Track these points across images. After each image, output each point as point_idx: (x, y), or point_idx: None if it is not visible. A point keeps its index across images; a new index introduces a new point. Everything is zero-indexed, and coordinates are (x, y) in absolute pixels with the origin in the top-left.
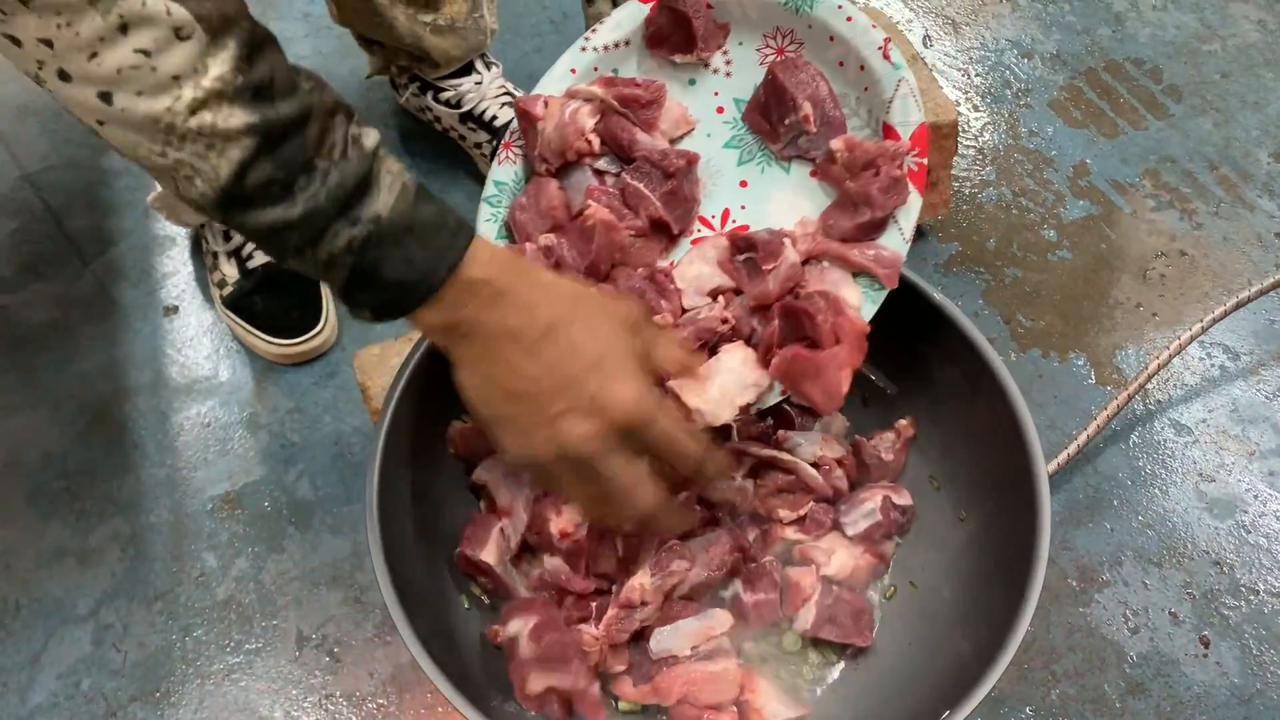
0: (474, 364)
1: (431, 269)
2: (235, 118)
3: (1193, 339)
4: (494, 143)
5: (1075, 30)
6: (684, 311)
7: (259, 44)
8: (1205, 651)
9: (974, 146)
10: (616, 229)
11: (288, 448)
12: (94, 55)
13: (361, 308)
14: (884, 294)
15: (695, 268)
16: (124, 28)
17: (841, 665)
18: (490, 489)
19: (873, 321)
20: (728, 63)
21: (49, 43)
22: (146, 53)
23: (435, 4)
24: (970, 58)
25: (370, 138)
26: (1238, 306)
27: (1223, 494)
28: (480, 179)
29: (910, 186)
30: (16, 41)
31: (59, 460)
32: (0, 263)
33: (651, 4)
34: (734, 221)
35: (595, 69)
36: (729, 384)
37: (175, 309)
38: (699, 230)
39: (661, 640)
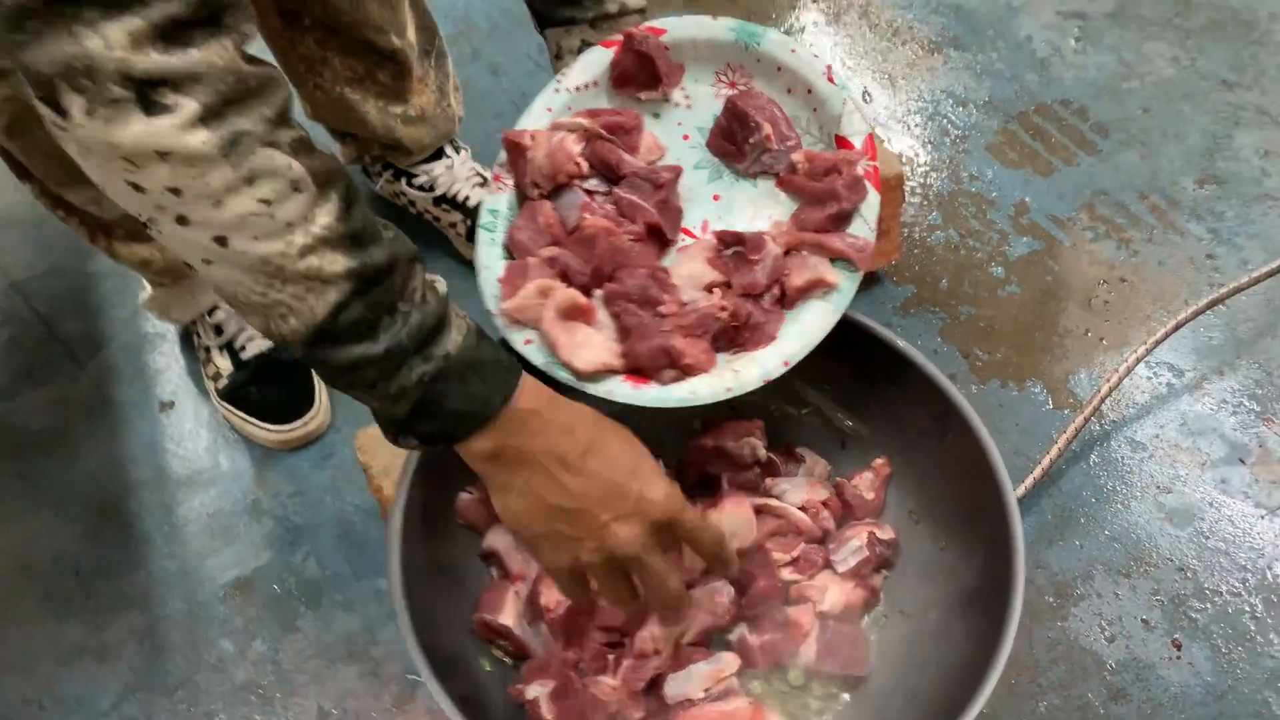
0: (517, 489)
1: (488, 401)
2: (338, 263)
3: (1139, 360)
4: (468, 222)
5: (1004, 77)
6: (684, 305)
7: (354, 197)
8: (1178, 654)
9: (920, 193)
10: (616, 233)
11: (292, 530)
12: (219, 203)
13: (414, 436)
14: (859, 276)
15: (688, 266)
16: (250, 179)
17: (845, 696)
18: (501, 556)
19: (844, 366)
20: (686, 98)
21: (176, 191)
22: (267, 202)
23: (404, 96)
24: (909, 109)
25: (441, 284)
26: (1178, 327)
27: (1180, 504)
28: (457, 257)
29: (868, 185)
30: (139, 189)
31: (69, 561)
32: None
33: (615, 48)
34: (712, 230)
35: (569, 108)
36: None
37: (171, 404)
38: (683, 240)
39: (676, 685)
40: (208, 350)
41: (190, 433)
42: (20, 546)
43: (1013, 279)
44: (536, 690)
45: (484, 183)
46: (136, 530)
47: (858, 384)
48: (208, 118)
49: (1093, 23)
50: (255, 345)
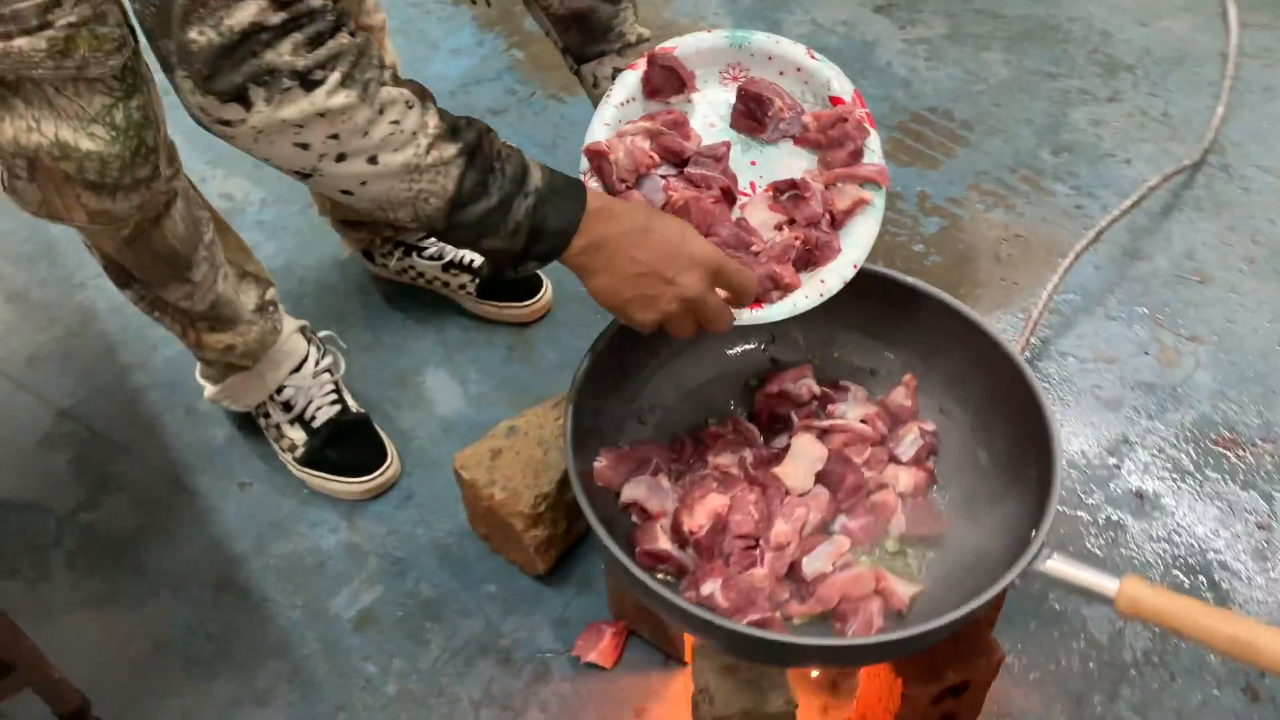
0: (604, 268)
1: (575, 212)
2: (450, 149)
3: (1055, 289)
4: (475, 281)
5: (878, 98)
6: (767, 242)
7: (436, 102)
8: (1141, 505)
9: None
10: (702, 199)
11: (397, 563)
12: (366, 133)
13: (532, 259)
14: (884, 191)
15: (758, 215)
16: (381, 110)
17: (930, 554)
18: (640, 502)
19: (863, 307)
20: (703, 96)
21: (335, 136)
22: (396, 122)
23: None
24: None
25: (510, 142)
26: (1073, 262)
27: (1111, 395)
28: (468, 315)
29: (867, 125)
30: (305, 146)
31: (200, 629)
32: (71, 491)
33: (642, 69)
34: (760, 188)
35: (620, 121)
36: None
37: (249, 483)
38: (741, 199)
39: (810, 564)
40: (278, 427)
41: (275, 503)
42: (150, 627)
43: (932, 251)
44: (710, 586)
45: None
46: (254, 591)
47: (876, 320)
48: (345, 81)
49: (935, 45)
50: (324, 413)
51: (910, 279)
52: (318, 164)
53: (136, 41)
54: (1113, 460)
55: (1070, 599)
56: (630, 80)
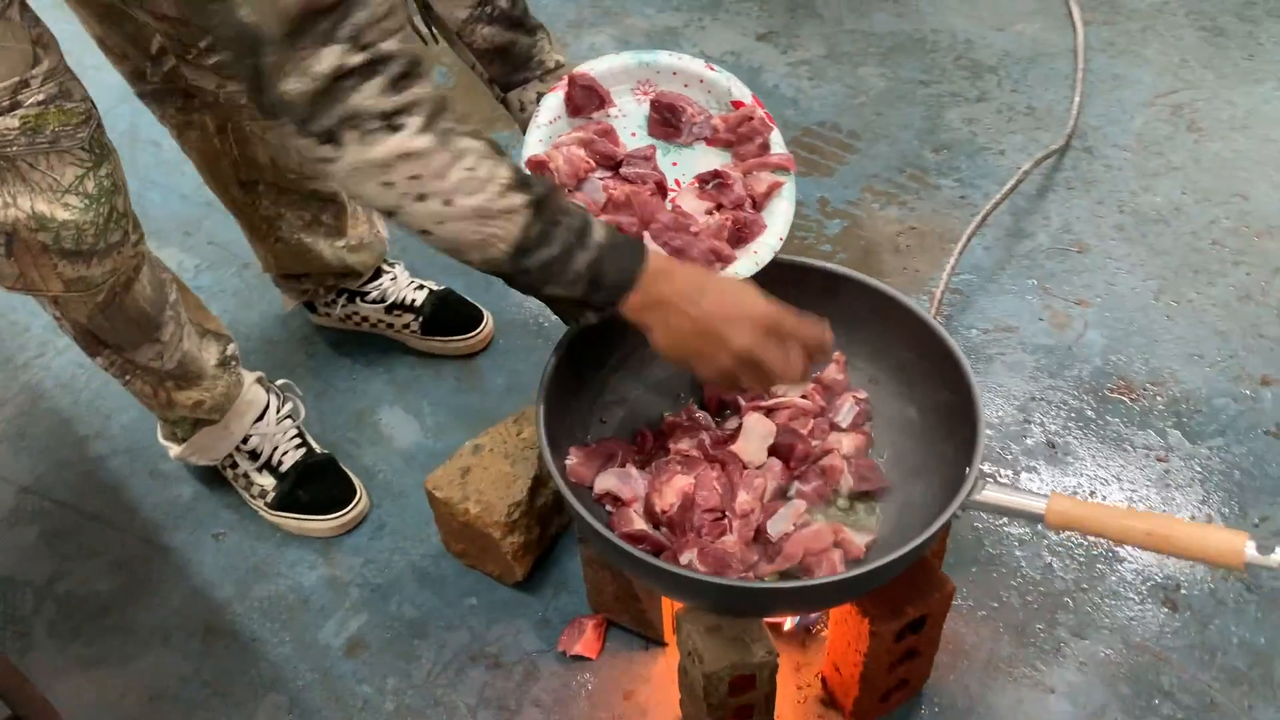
0: (664, 325)
1: (632, 268)
2: (518, 198)
3: (953, 271)
4: (419, 319)
5: None
6: (703, 225)
7: (509, 157)
8: (1054, 453)
9: None
10: (640, 192)
11: (378, 590)
12: (443, 177)
13: (591, 309)
14: (793, 175)
15: (690, 203)
16: (458, 156)
17: (878, 505)
18: (613, 491)
19: (786, 296)
20: (619, 111)
21: (416, 177)
22: (472, 169)
23: (344, 231)
24: None
25: (576, 200)
26: (965, 246)
27: (1015, 359)
28: (413, 353)
29: (769, 122)
30: (389, 185)
31: (194, 677)
32: (44, 562)
33: (564, 90)
34: (684, 183)
35: (551, 137)
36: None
37: (223, 533)
38: (671, 192)
39: (775, 526)
40: (247, 476)
41: (250, 548)
42: (145, 681)
43: (839, 249)
44: (688, 556)
45: (421, 288)
46: (242, 633)
47: (801, 307)
48: (426, 127)
49: (815, 65)
50: (290, 456)
51: (829, 264)
52: (400, 202)
53: (98, 113)
54: (1023, 417)
55: (1004, 543)
56: (554, 101)
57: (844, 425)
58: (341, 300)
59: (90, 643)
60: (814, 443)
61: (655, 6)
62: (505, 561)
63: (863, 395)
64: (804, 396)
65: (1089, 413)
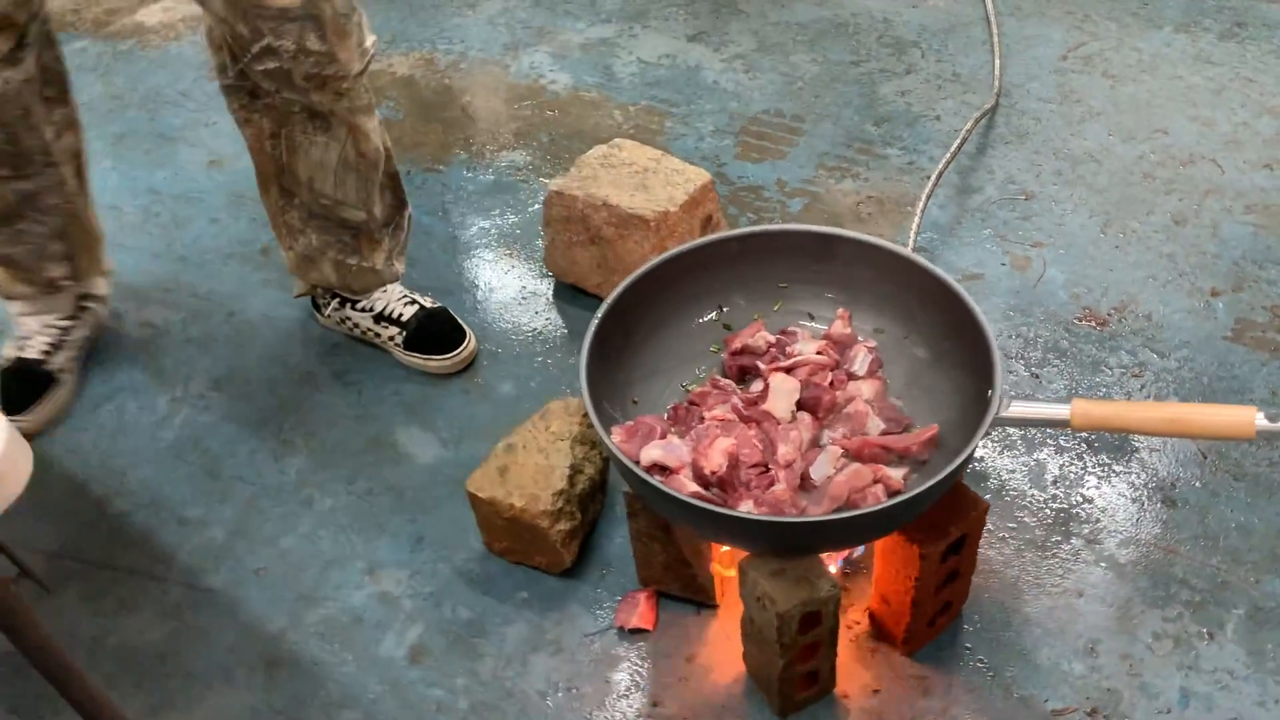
0: None
1: None
2: None
3: (917, 231)
4: (403, 334)
5: (716, 112)
6: None
7: None
8: (1039, 381)
9: (723, 197)
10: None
11: (429, 598)
12: None
13: None
14: None
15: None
16: None
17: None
18: (660, 461)
19: (790, 263)
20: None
21: None
22: None
23: (360, 253)
24: (676, 150)
25: None
26: (924, 207)
27: (989, 305)
28: (417, 375)
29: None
30: None
31: (265, 708)
32: (91, 621)
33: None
34: None
35: None
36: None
37: (264, 569)
38: None
39: (818, 470)
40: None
41: (294, 578)
42: (216, 719)
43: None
44: (746, 507)
45: (412, 303)
46: (303, 660)
47: (800, 271)
48: None
49: (749, 59)
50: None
51: (823, 227)
52: None
53: None
54: (1004, 354)
55: (1008, 476)
56: None
57: (861, 373)
58: (334, 303)
59: (153, 691)
60: (836, 393)
61: (585, 21)
62: (553, 550)
63: (872, 344)
64: (818, 352)
65: (1063, 343)
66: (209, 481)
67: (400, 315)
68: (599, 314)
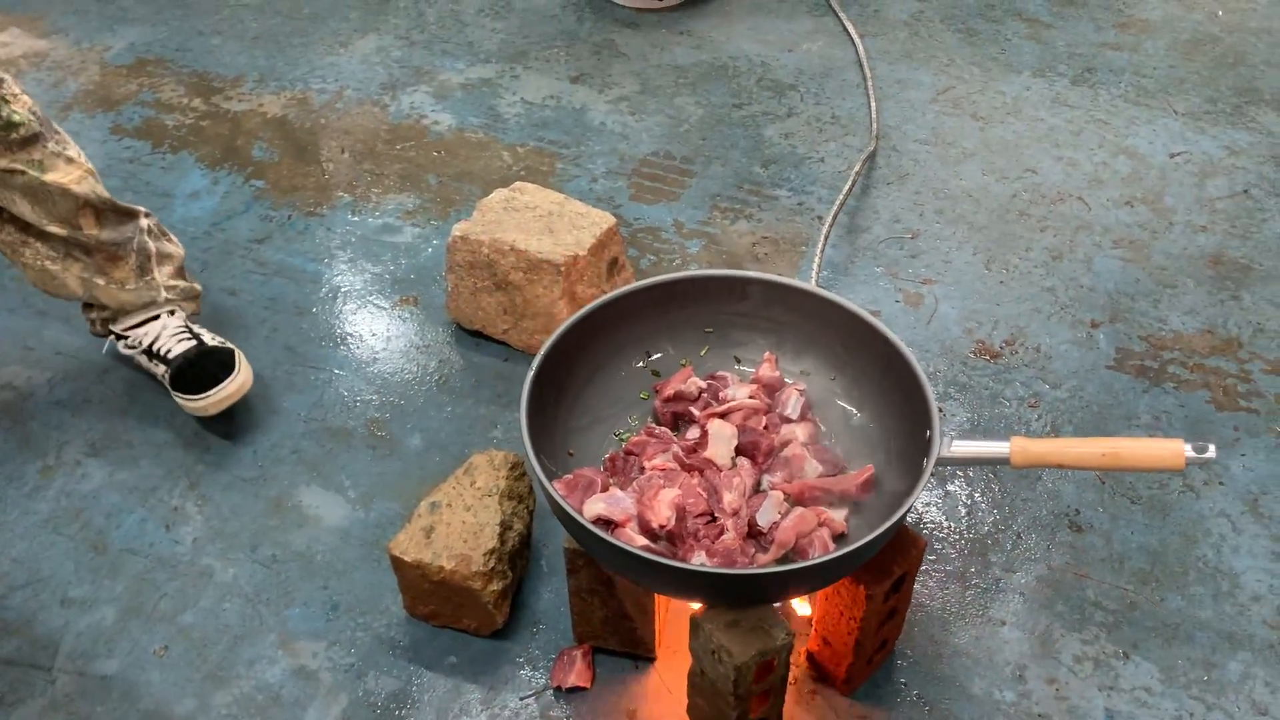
0: None
1: None
2: None
3: (819, 270)
4: (168, 372)
5: (605, 154)
6: None
7: None
8: (941, 415)
9: (623, 238)
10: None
11: (350, 670)
12: None
13: None
14: None
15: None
16: None
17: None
18: (604, 515)
19: (710, 311)
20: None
21: None
22: None
23: (105, 271)
24: (569, 192)
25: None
26: (823, 247)
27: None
28: (317, 429)
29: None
30: None
31: None
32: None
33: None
34: None
35: None
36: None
37: (163, 649)
38: None
39: (765, 517)
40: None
41: (200, 656)
42: None
43: (703, 266)
44: (699, 559)
45: (190, 339)
46: None
47: (722, 316)
48: None
49: (634, 100)
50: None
51: (745, 272)
52: None
53: None
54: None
55: (928, 509)
56: None
57: (793, 416)
58: (111, 338)
59: None
60: (773, 437)
61: (464, 61)
62: (484, 611)
63: (801, 387)
64: (750, 396)
65: (961, 377)
66: (94, 556)
67: (169, 351)
68: (533, 367)
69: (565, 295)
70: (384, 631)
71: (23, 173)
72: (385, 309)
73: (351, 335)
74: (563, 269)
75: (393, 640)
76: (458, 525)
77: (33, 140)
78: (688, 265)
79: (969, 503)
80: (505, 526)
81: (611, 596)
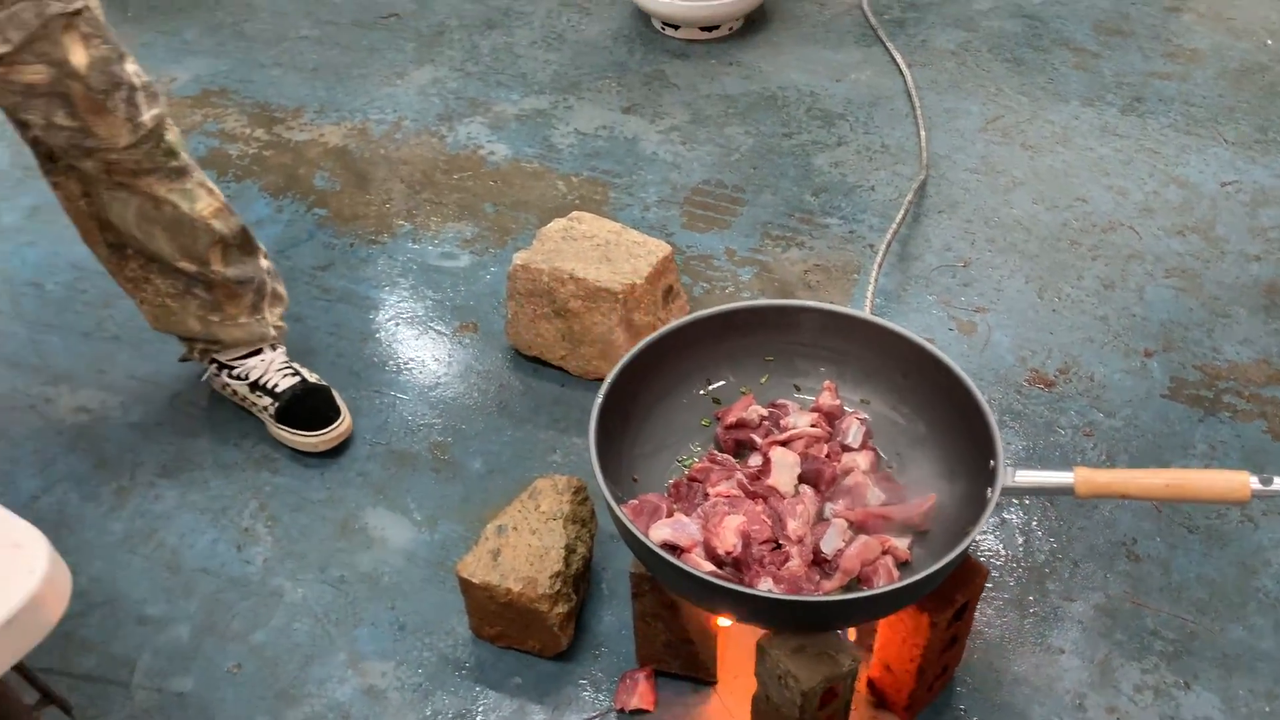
0: None
1: None
2: None
3: (871, 303)
4: (276, 404)
5: (657, 183)
6: None
7: None
8: None
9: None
10: None
11: (418, 689)
12: None
13: None
14: None
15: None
16: None
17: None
18: (671, 540)
19: (766, 339)
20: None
21: None
22: None
23: (220, 308)
24: (622, 220)
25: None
26: (876, 275)
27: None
28: (382, 452)
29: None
30: None
31: None
32: None
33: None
34: None
35: None
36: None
37: (237, 666)
38: None
39: (829, 544)
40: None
41: (272, 675)
42: None
43: (756, 294)
44: (765, 585)
45: (294, 375)
46: None
47: (780, 345)
48: None
49: (685, 130)
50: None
51: (797, 301)
52: None
53: None
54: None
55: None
56: None
57: (854, 445)
58: (212, 369)
59: None
60: (835, 465)
61: (519, 93)
62: (549, 633)
63: (863, 416)
64: (812, 425)
65: (1017, 405)
66: (168, 575)
67: (275, 385)
68: (601, 395)
69: (622, 323)
70: (450, 652)
71: (174, 205)
72: (445, 335)
73: (413, 360)
74: (620, 297)
75: (458, 660)
76: (523, 548)
77: (185, 171)
78: (740, 293)
79: (1025, 530)
80: (569, 550)
81: (675, 620)
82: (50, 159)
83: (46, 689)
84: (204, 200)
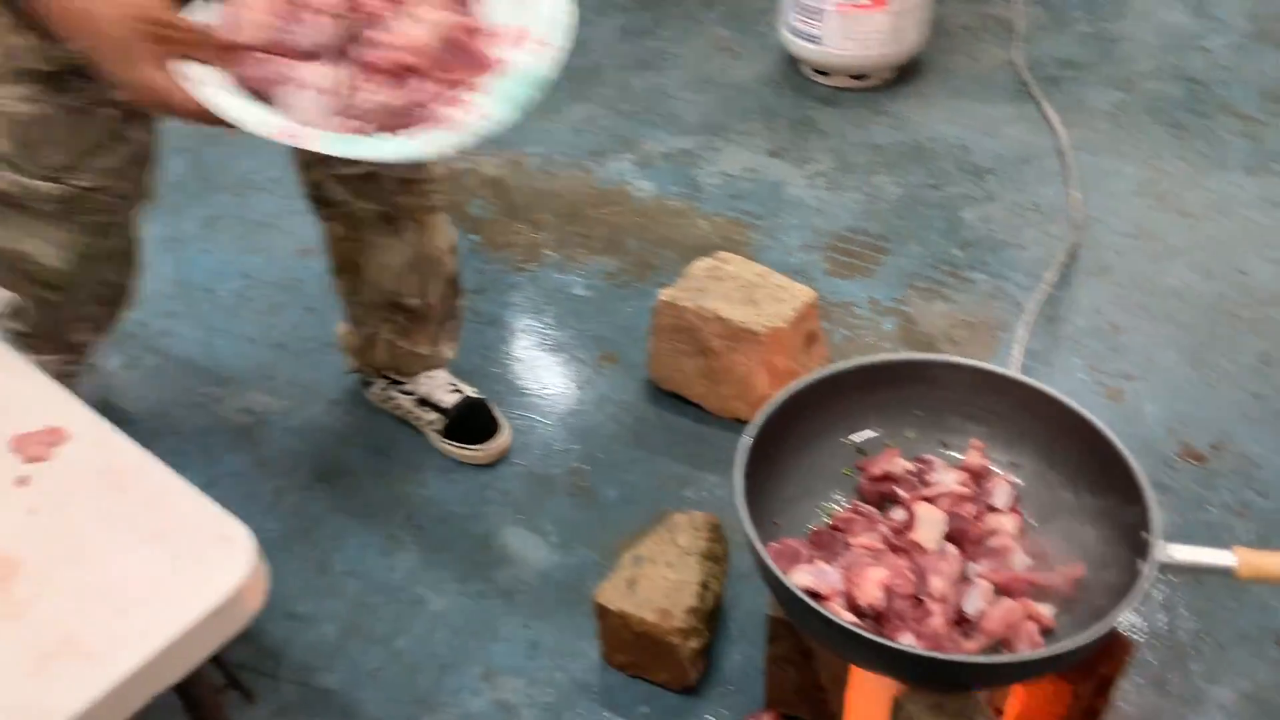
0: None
1: None
2: None
3: (1019, 364)
4: (444, 420)
5: (801, 228)
6: None
7: None
8: None
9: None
10: None
11: (549, 709)
12: None
13: None
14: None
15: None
16: None
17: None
18: (812, 586)
19: (914, 391)
20: None
21: None
22: None
23: (410, 337)
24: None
25: None
26: (1026, 337)
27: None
28: (520, 472)
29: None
30: None
31: None
32: None
33: None
34: None
35: None
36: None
37: (379, 669)
38: None
39: (971, 604)
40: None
41: (409, 680)
42: None
43: (898, 345)
44: (906, 640)
45: (456, 391)
46: None
47: (929, 400)
48: None
49: (831, 176)
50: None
51: (947, 357)
52: None
53: None
54: None
55: None
56: None
57: (1002, 507)
58: (383, 383)
59: None
60: (981, 526)
61: (667, 131)
62: (680, 667)
63: (1012, 479)
64: (959, 484)
65: (1165, 479)
66: (317, 575)
67: (441, 402)
68: (749, 436)
69: (763, 365)
70: (580, 675)
71: (430, 238)
72: (587, 364)
73: (555, 386)
74: (763, 339)
75: (588, 685)
76: (659, 580)
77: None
78: (881, 342)
79: (1169, 607)
80: (704, 586)
81: (808, 666)
82: (325, 203)
83: (234, 676)
84: (447, 229)
